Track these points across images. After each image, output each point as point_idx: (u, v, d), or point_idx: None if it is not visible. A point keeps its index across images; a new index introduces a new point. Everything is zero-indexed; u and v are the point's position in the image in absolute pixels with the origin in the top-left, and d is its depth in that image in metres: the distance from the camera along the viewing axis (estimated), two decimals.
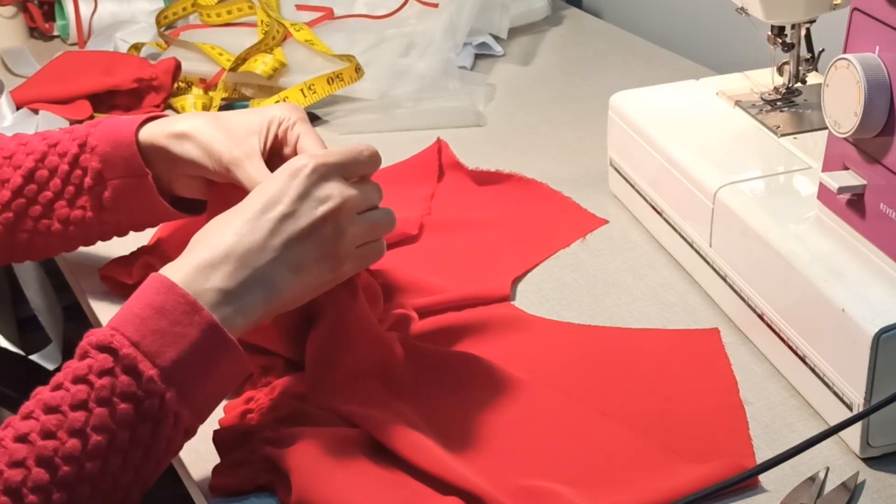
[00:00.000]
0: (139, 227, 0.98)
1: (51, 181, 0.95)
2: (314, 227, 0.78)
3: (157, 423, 0.71)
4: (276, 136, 0.90)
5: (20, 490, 0.67)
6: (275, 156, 0.90)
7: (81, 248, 1.02)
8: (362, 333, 0.85)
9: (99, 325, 1.00)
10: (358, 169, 0.82)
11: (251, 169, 0.87)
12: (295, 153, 0.89)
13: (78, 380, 0.70)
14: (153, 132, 0.92)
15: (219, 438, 0.81)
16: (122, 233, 0.98)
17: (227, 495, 0.79)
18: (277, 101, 1.28)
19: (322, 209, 0.79)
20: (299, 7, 1.50)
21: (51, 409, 0.69)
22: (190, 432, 0.74)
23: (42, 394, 0.70)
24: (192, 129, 0.91)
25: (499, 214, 1.11)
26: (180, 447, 0.74)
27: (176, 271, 0.75)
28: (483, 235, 1.08)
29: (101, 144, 0.93)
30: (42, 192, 0.95)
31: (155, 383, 0.70)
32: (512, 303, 0.99)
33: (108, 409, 0.69)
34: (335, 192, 0.79)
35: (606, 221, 1.10)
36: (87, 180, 0.94)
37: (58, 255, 1.03)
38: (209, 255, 0.75)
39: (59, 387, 0.70)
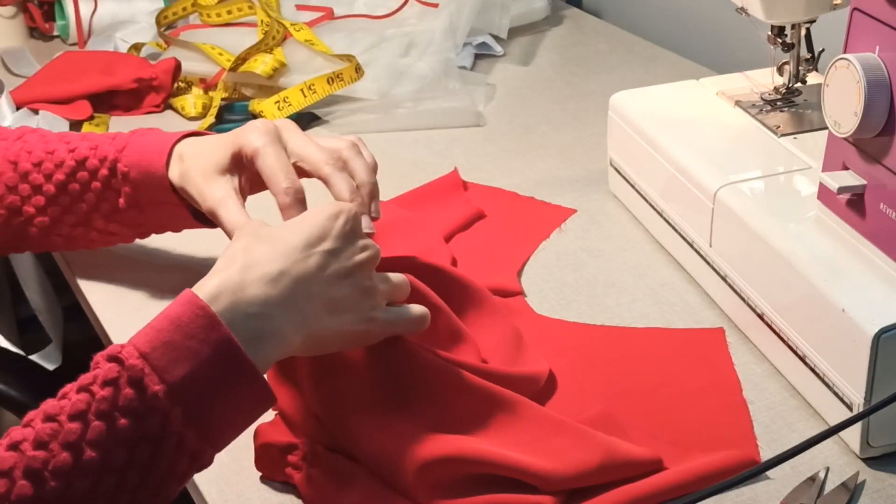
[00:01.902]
0: (178, 231, 0.99)
1: (85, 195, 0.96)
2: (354, 270, 0.76)
3: (158, 444, 0.66)
4: (250, 169, 0.89)
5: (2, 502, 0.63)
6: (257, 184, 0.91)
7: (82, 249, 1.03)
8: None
9: (99, 325, 1.00)
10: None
11: (225, 215, 0.87)
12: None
13: (81, 389, 0.66)
14: (171, 167, 0.93)
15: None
16: (162, 232, 1.00)
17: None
18: (277, 102, 1.28)
19: (362, 256, 0.77)
20: (299, 7, 1.50)
21: (49, 418, 0.65)
22: (198, 458, 0.68)
23: (48, 403, 0.66)
24: (179, 178, 0.91)
25: (467, 225, 1.11)
26: (188, 474, 0.69)
27: (207, 285, 0.71)
28: (464, 245, 1.07)
29: (133, 171, 0.94)
30: (77, 204, 0.97)
31: (158, 400, 0.66)
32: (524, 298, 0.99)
33: (106, 423, 0.65)
34: (370, 243, 0.78)
35: (575, 211, 1.11)
36: (122, 202, 0.95)
37: (95, 248, 1.03)
38: (250, 275, 0.71)
39: (64, 396, 0.66)
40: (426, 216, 1.09)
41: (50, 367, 1.39)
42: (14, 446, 0.64)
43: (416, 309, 0.80)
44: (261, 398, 0.70)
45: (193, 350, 0.67)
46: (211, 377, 0.68)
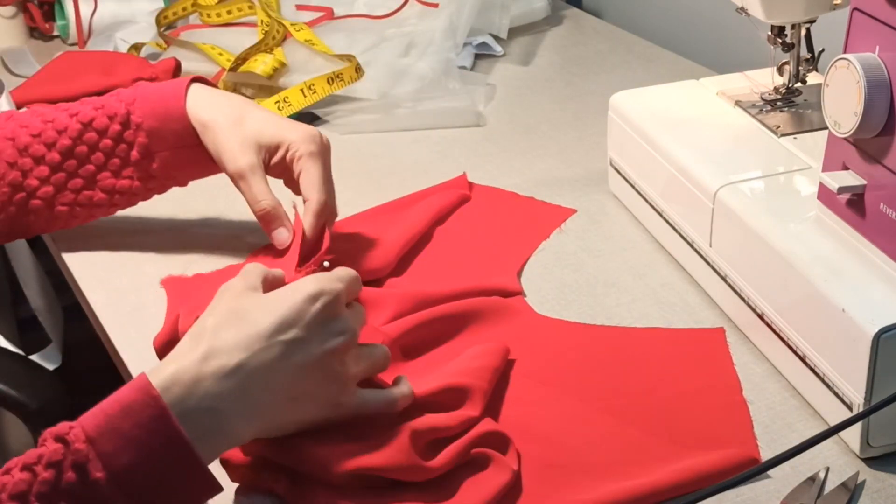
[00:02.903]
0: (184, 184, 1.02)
1: (92, 156, 0.98)
2: (323, 358, 0.73)
3: None
4: (283, 159, 0.94)
5: None
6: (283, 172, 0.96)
7: (82, 249, 1.03)
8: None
9: (99, 325, 1.00)
10: (354, 292, 0.78)
11: (253, 186, 0.93)
12: (295, 184, 0.94)
13: (25, 468, 0.65)
14: (189, 108, 0.97)
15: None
16: (164, 191, 1.02)
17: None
18: (277, 102, 1.28)
19: (334, 342, 0.74)
20: (299, 7, 1.50)
21: None
22: None
23: None
24: (212, 125, 0.95)
25: (467, 225, 1.11)
26: None
27: (163, 371, 0.69)
28: (464, 245, 1.07)
29: (147, 120, 0.96)
30: (84, 166, 0.98)
31: (100, 486, 0.65)
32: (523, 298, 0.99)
33: None
34: (347, 326, 0.74)
35: (575, 211, 1.11)
36: (134, 154, 0.97)
37: (95, 219, 1.04)
38: (208, 367, 0.70)
39: (7, 471, 0.65)
40: (410, 204, 1.11)
41: (50, 367, 1.39)
42: None
43: (389, 394, 0.77)
44: (205, 488, 0.69)
45: (141, 440, 0.66)
46: (156, 468, 0.66)
